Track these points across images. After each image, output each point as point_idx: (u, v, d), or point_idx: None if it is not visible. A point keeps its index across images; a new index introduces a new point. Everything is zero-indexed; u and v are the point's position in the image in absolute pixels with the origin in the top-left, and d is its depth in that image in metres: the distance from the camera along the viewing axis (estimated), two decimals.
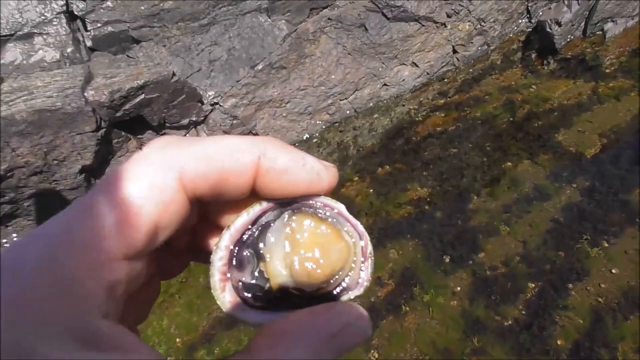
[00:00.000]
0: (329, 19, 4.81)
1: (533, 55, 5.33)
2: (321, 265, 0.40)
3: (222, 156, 0.38)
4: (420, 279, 3.24)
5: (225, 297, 0.41)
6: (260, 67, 4.69)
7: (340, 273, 0.41)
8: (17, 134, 3.56)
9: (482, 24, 5.27)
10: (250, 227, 0.42)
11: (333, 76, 4.94)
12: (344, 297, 0.42)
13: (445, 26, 5.20)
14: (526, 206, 3.55)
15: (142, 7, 4.49)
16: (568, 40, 5.16)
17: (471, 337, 2.79)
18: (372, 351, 2.89)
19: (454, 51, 5.38)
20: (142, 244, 0.35)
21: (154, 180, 0.35)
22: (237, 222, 0.41)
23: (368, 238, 0.43)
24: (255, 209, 0.42)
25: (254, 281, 0.41)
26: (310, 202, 0.43)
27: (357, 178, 4.40)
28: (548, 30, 5.12)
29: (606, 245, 3.14)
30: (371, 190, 4.20)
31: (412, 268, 3.33)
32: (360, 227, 0.43)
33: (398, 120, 5.04)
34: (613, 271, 2.99)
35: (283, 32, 4.73)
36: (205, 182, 0.37)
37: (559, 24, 5.06)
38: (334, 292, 0.42)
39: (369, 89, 5.15)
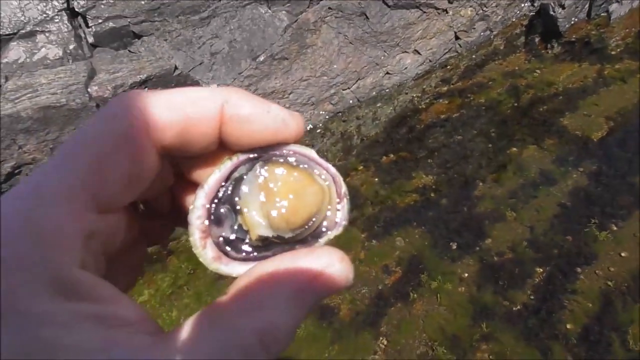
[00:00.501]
0: (329, 8, 4.78)
1: (537, 40, 5.29)
2: (297, 210, 0.40)
3: (186, 104, 0.38)
4: (428, 266, 3.23)
5: (208, 254, 0.41)
6: (261, 58, 4.68)
7: (317, 216, 0.41)
8: (23, 131, 3.57)
9: (484, 9, 5.23)
10: (224, 183, 0.42)
11: (335, 66, 4.92)
12: (324, 239, 0.42)
13: (447, 12, 5.15)
14: (532, 191, 3.53)
15: (142, 2, 4.48)
16: (572, 22, 5.10)
17: (480, 323, 2.79)
18: (381, 338, 2.90)
19: (456, 37, 5.34)
20: (114, 195, 0.35)
21: (121, 130, 0.35)
22: (210, 180, 0.42)
23: (341, 179, 0.44)
24: (227, 164, 0.42)
25: (234, 235, 0.41)
26: (281, 151, 0.43)
27: (361, 167, 4.39)
28: (551, 13, 5.06)
29: (615, 228, 3.13)
30: (376, 179, 4.19)
31: (419, 255, 3.33)
32: (333, 169, 0.44)
33: (401, 108, 5.02)
34: (622, 254, 2.97)
35: (284, 23, 4.70)
36: (171, 131, 0.37)
37: (562, 6, 5.01)
38: (313, 235, 0.42)
39: (371, 78, 5.13)
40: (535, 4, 5.31)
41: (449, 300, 2.99)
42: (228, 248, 0.41)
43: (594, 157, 3.63)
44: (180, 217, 0.46)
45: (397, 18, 4.97)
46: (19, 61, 4.42)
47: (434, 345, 2.77)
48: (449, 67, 5.35)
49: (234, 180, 0.42)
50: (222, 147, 0.42)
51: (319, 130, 5.00)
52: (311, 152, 0.44)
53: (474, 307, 2.90)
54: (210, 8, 4.58)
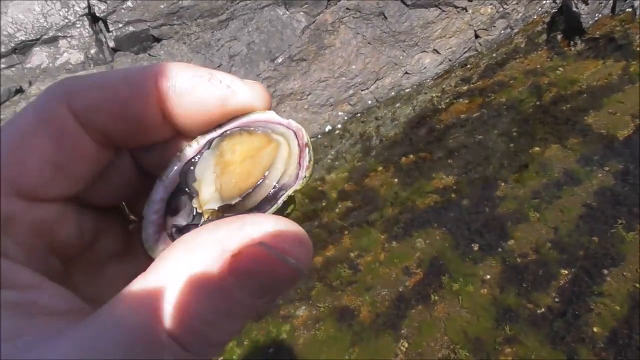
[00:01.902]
0: (347, 8, 4.76)
1: (559, 37, 5.19)
2: (250, 173, 0.36)
3: (115, 82, 0.33)
4: (449, 267, 3.19)
5: (159, 247, 0.37)
6: (280, 60, 4.68)
7: (271, 173, 0.36)
8: None
9: (505, 6, 5.15)
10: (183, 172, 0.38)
11: (353, 66, 4.90)
12: (282, 198, 0.35)
13: (467, 11, 5.09)
14: (556, 191, 3.46)
15: (162, 6, 4.52)
16: (596, 19, 5.00)
17: (503, 326, 2.74)
18: (402, 341, 2.87)
19: (476, 36, 5.27)
20: (37, 182, 0.31)
21: (44, 114, 0.31)
22: (169, 169, 0.38)
23: (303, 130, 0.38)
24: (187, 152, 0.38)
25: (190, 220, 0.37)
26: (240, 122, 0.38)
27: (381, 168, 4.36)
28: (574, 9, 4.97)
29: None
30: (396, 180, 4.15)
31: (440, 257, 3.29)
32: (294, 124, 0.38)
33: (421, 108, 4.98)
34: None
35: (302, 24, 4.70)
36: (102, 112, 0.32)
37: (585, 2, 4.91)
38: (269, 200, 0.36)
39: (390, 78, 5.09)
40: (558, 1, 5.21)
41: (471, 302, 2.94)
42: (178, 236, 0.36)
43: (620, 156, 3.53)
44: None
45: (415, 17, 4.93)
46: (42, 66, 4.50)
47: (455, 349, 2.72)
48: (468, 66, 5.28)
49: (191, 165, 0.38)
50: (181, 136, 0.38)
51: (337, 132, 4.98)
52: (270, 114, 0.38)
53: (496, 309, 2.84)
54: (229, 10, 4.60)
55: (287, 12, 4.70)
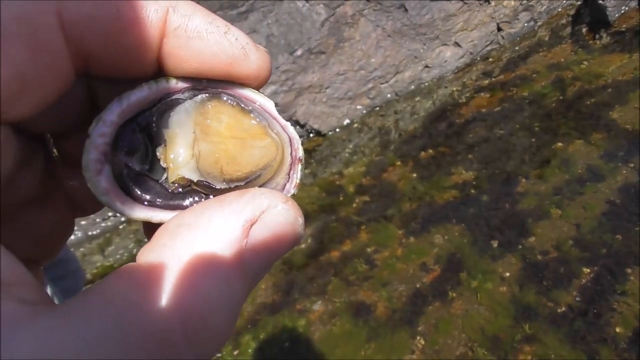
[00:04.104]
0: (367, 0, 4.72)
1: (584, 30, 5.08)
2: (237, 159, 0.33)
3: (118, 1, 0.28)
4: (467, 264, 3.15)
5: (101, 183, 0.31)
6: (299, 52, 4.66)
7: (262, 174, 0.34)
8: None
9: None
10: (150, 105, 0.33)
11: (373, 59, 4.86)
12: None
13: (489, 3, 5.01)
14: (579, 188, 3.39)
15: None
16: (622, 11, 4.88)
17: (522, 324, 2.69)
18: (419, 337, 2.84)
19: (499, 29, 5.19)
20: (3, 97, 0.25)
21: (26, 11, 0.25)
22: (132, 94, 0.32)
23: (299, 142, 0.36)
24: (161, 84, 0.32)
25: (146, 169, 0.33)
26: (234, 91, 0.34)
27: (399, 162, 4.32)
28: (600, 2, 4.85)
29: None
30: (414, 175, 4.11)
31: (459, 253, 3.25)
32: (291, 129, 0.36)
33: (441, 102, 4.92)
34: None
35: (321, 17, 4.67)
36: (94, 31, 0.27)
37: None
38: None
39: (410, 71, 5.04)
40: None
41: (489, 299, 2.90)
42: (131, 183, 0.32)
43: None
44: None
45: (437, 10, 4.87)
46: None
47: (473, 346, 2.69)
48: (490, 59, 5.20)
49: (164, 104, 0.33)
50: (159, 75, 0.33)
51: (356, 125, 4.95)
52: (269, 104, 0.36)
53: (515, 307, 2.80)
54: (249, 2, 4.59)
55: (306, 4, 4.68)
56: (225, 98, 0.34)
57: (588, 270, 2.84)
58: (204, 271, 0.24)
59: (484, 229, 3.36)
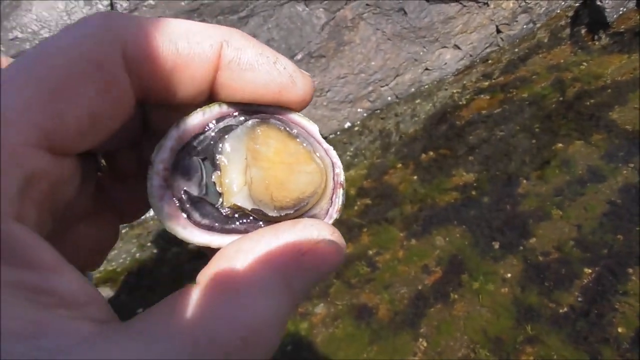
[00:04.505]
0: (367, 4, 4.73)
1: (583, 31, 5.09)
2: (286, 185, 0.34)
3: (177, 36, 0.30)
4: (469, 266, 3.15)
5: (163, 208, 0.33)
6: (299, 57, 4.67)
7: (309, 200, 0.35)
8: None
9: (527, 0, 5.07)
10: (205, 129, 0.35)
11: (373, 63, 4.87)
12: None
13: (488, 5, 5.03)
14: (580, 188, 3.39)
15: (182, 3, 4.55)
16: (620, 12, 4.89)
17: (524, 325, 2.70)
18: (421, 339, 2.84)
19: (498, 31, 5.20)
20: (71, 134, 0.27)
21: (93, 54, 0.27)
22: (189, 120, 0.34)
23: (341, 166, 0.37)
24: (214, 110, 0.35)
25: (202, 193, 0.35)
26: (281, 115, 0.36)
27: (400, 165, 4.33)
28: (598, 3, 4.86)
29: None
30: (415, 177, 4.12)
31: (460, 255, 3.25)
32: (334, 153, 0.38)
33: (441, 104, 4.93)
34: None
35: (321, 21, 4.69)
36: (155, 66, 0.30)
37: None
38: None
39: (410, 74, 5.05)
40: None
41: (491, 301, 2.90)
42: (190, 208, 0.34)
43: None
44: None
45: (436, 13, 4.88)
46: None
47: (475, 348, 2.69)
48: (490, 61, 5.21)
49: (218, 130, 0.35)
50: (211, 100, 0.35)
51: (356, 128, 4.96)
52: (314, 128, 0.37)
53: (517, 308, 2.80)
54: (249, 7, 4.61)
55: (306, 9, 4.69)
56: (273, 122, 0.35)
57: (589, 271, 2.85)
58: (260, 293, 0.27)
59: (485, 230, 3.37)
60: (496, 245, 3.22)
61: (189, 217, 0.34)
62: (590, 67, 4.63)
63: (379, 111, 5.07)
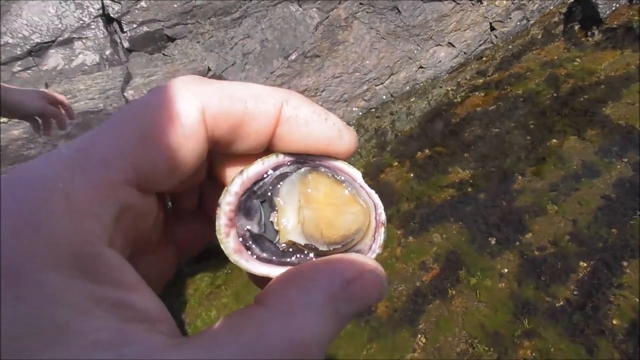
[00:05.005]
0: (360, 3, 4.75)
1: (576, 27, 5.12)
2: (334, 224, 0.38)
3: (247, 97, 0.36)
4: (466, 262, 3.17)
5: (229, 243, 0.38)
6: (293, 57, 4.68)
7: (356, 237, 0.39)
8: (64, 137, 3.68)
9: None
10: (264, 177, 0.40)
11: (367, 62, 4.89)
12: None
13: (482, 3, 5.05)
14: (574, 184, 3.42)
15: (175, 5, 4.55)
16: (613, 8, 4.92)
17: (521, 319, 2.72)
18: (420, 336, 2.86)
19: (492, 28, 5.22)
20: (157, 175, 0.33)
21: (179, 108, 0.33)
22: (251, 169, 0.39)
23: (382, 207, 0.42)
24: (272, 160, 0.40)
25: (262, 231, 0.39)
26: (328, 163, 0.41)
27: (396, 163, 4.34)
28: None
29: None
30: (411, 175, 4.14)
31: (457, 251, 3.27)
32: (375, 196, 0.43)
33: (436, 102, 4.95)
34: None
35: (315, 21, 4.70)
36: (226, 121, 0.35)
37: None
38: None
39: (404, 72, 5.07)
40: None
41: (488, 296, 2.92)
42: (252, 244, 0.39)
43: (639, 147, 3.48)
44: (206, 220, 0.44)
45: (429, 11, 4.90)
46: (58, 68, 4.56)
47: (474, 343, 2.71)
48: (484, 58, 5.24)
49: (275, 177, 0.40)
50: (267, 151, 0.40)
51: (352, 127, 4.96)
52: (357, 174, 0.43)
53: (515, 303, 2.82)
54: (242, 8, 4.62)
55: (300, 9, 4.71)
56: (323, 170, 0.40)
57: (585, 265, 2.87)
58: (312, 315, 0.30)
59: (481, 226, 3.39)
60: (493, 241, 3.24)
61: (250, 251, 0.39)
62: (583, 63, 4.66)
63: (374, 110, 5.08)
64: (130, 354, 0.25)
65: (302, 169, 0.40)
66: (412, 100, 5.06)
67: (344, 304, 0.32)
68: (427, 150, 4.35)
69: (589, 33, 4.98)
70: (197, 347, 0.27)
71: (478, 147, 4.15)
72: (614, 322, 2.54)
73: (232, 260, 0.39)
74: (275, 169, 0.40)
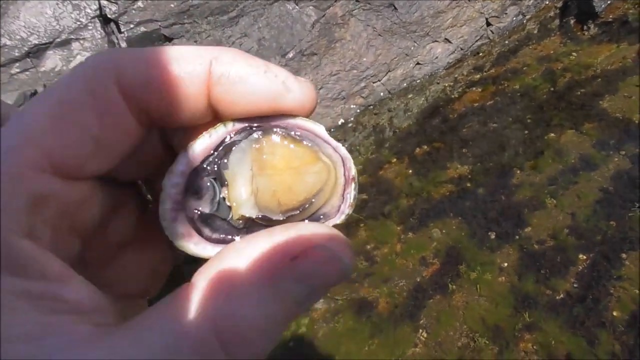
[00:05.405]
0: (356, 1, 4.76)
1: (572, 22, 5.13)
2: (293, 189, 0.35)
3: (166, 61, 0.32)
4: (466, 256, 3.18)
5: (177, 229, 0.35)
6: (291, 55, 4.69)
7: (317, 198, 0.35)
8: None
9: None
10: (212, 151, 0.36)
11: (365, 59, 4.89)
12: None
13: None
14: (572, 177, 3.43)
15: (172, 5, 4.55)
16: (608, 2, 4.93)
17: (522, 313, 2.73)
18: (421, 331, 2.87)
19: (488, 24, 5.23)
20: (76, 159, 0.30)
21: (90, 86, 0.30)
22: (197, 144, 0.35)
23: (351, 161, 0.37)
24: (219, 130, 0.36)
25: (214, 210, 0.35)
26: (285, 123, 0.36)
27: (395, 160, 4.35)
28: None
29: None
30: (410, 171, 4.15)
31: (457, 246, 3.28)
32: (343, 150, 0.38)
33: (433, 98, 4.96)
34: None
35: (312, 18, 4.70)
36: (150, 91, 0.31)
37: None
38: (306, 222, 0.35)
39: (401, 69, 5.08)
40: None
41: (489, 290, 2.93)
42: (203, 226, 0.35)
43: (636, 139, 3.49)
44: None
45: (426, 7, 4.91)
46: (56, 69, 4.55)
47: (475, 337, 2.72)
48: (481, 54, 5.25)
49: (224, 149, 0.36)
50: (217, 119, 0.36)
51: (350, 125, 4.98)
52: (319, 128, 0.37)
53: (515, 296, 2.84)
54: (239, 7, 4.62)
55: (296, 7, 4.71)
56: (276, 131, 0.36)
57: (584, 257, 2.89)
58: (242, 291, 0.27)
59: (481, 221, 3.40)
60: (492, 235, 3.26)
61: (200, 234, 0.35)
62: (580, 57, 4.67)
63: (372, 107, 5.09)
64: (49, 347, 0.24)
65: (254, 134, 0.36)
66: (409, 96, 5.07)
67: (289, 284, 0.28)
68: (425, 147, 4.36)
69: (585, 27, 4.99)
70: (122, 337, 0.25)
71: (476, 142, 4.16)
72: (614, 314, 2.55)
73: (178, 247, 0.35)
74: (225, 140, 0.36)
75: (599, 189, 3.25)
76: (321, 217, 0.37)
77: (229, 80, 0.33)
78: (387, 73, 5.04)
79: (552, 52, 4.93)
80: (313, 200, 0.35)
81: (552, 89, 4.41)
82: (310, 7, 4.71)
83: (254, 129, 0.36)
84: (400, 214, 3.74)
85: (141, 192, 0.41)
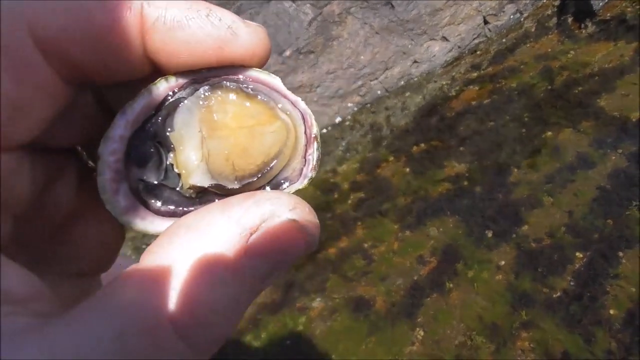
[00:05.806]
0: None
1: (569, 20, 5.12)
2: (249, 152, 0.31)
3: (89, 6, 0.26)
4: (463, 255, 3.18)
5: (119, 202, 0.30)
6: (288, 53, 4.68)
7: (276, 162, 0.32)
8: None
9: None
10: (154, 111, 0.31)
11: (362, 57, 4.89)
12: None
13: None
14: (570, 175, 3.43)
15: None
16: (606, 0, 4.93)
17: (519, 311, 2.73)
18: (418, 329, 2.87)
19: (485, 22, 5.23)
20: None
21: (2, 42, 0.25)
22: (136, 104, 0.30)
23: (312, 117, 0.33)
24: (161, 86, 0.31)
25: (161, 179, 0.31)
26: (235, 75, 0.32)
27: (392, 158, 4.35)
28: None
29: None
30: (407, 170, 4.15)
31: (454, 244, 3.28)
32: (303, 104, 0.34)
33: (431, 97, 4.95)
34: None
35: (309, 16, 4.69)
36: (70, 41, 0.26)
37: None
38: (267, 189, 0.32)
39: (399, 67, 5.07)
40: None
41: (486, 288, 2.93)
42: (149, 197, 0.31)
43: (634, 138, 3.49)
44: None
45: (423, 5, 4.90)
46: None
47: (472, 335, 2.72)
48: (478, 52, 5.24)
49: (168, 108, 0.31)
50: (157, 73, 0.31)
51: (347, 123, 4.98)
52: (276, 81, 0.34)
53: (512, 294, 2.84)
54: (235, 5, 4.60)
55: (293, 5, 4.70)
56: (227, 85, 0.32)
57: (581, 256, 2.89)
58: (197, 272, 0.25)
59: (478, 219, 3.40)
60: (489, 233, 3.26)
61: (147, 206, 0.31)
62: (577, 56, 4.67)
63: (369, 105, 5.08)
64: None
65: (200, 90, 0.31)
66: (407, 95, 5.06)
67: (249, 259, 0.26)
68: (422, 145, 4.36)
69: (583, 25, 4.99)
70: (62, 327, 0.23)
71: (473, 140, 4.16)
72: (611, 311, 2.56)
73: (123, 224, 0.31)
74: (168, 98, 0.31)
75: (596, 187, 3.25)
76: (282, 182, 0.33)
77: (165, 25, 0.28)
78: (384, 71, 5.03)
79: (549, 50, 4.92)
80: (272, 164, 0.31)
81: (549, 87, 4.41)
82: (307, 5, 4.70)
83: (200, 83, 0.32)
84: (398, 212, 3.74)
85: (82, 159, 0.36)
